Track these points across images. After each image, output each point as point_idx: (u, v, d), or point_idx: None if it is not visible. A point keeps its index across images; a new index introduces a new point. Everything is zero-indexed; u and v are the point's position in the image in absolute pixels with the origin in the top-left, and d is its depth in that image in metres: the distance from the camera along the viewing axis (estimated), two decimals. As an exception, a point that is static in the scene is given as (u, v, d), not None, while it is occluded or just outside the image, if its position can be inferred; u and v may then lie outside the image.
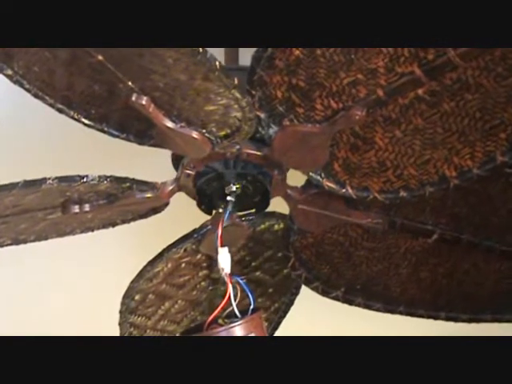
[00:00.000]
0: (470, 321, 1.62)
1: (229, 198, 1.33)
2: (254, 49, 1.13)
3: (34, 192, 1.30)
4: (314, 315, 2.09)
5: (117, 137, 1.29)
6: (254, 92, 1.17)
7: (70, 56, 1.15)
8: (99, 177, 1.32)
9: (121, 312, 1.63)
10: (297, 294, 1.71)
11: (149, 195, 1.38)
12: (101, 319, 1.76)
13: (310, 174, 1.31)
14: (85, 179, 1.31)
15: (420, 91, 1.14)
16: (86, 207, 1.37)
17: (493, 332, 1.59)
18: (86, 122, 1.27)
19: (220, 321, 1.25)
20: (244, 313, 1.26)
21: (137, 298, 1.60)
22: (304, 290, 1.65)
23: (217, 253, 1.31)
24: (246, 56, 1.41)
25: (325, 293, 1.59)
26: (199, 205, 1.39)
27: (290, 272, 1.59)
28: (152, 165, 1.60)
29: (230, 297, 1.25)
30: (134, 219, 1.48)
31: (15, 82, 1.20)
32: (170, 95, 1.17)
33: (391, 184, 1.29)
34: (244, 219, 1.44)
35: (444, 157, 1.22)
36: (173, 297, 1.63)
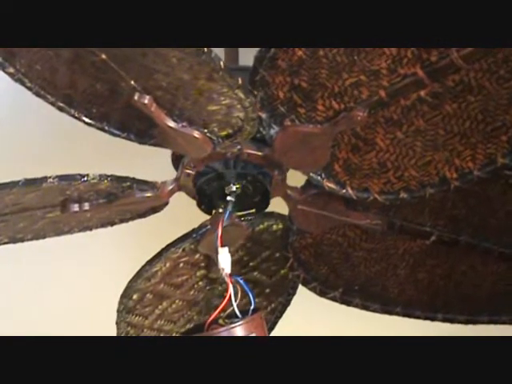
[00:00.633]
0: (467, 322, 1.62)
1: (229, 197, 1.33)
2: (254, 49, 1.13)
3: (34, 190, 1.30)
4: (311, 315, 2.09)
5: (117, 136, 1.28)
6: (256, 92, 1.17)
7: (72, 54, 1.15)
8: (100, 176, 1.32)
9: (118, 311, 1.62)
10: (293, 294, 1.71)
11: (149, 195, 1.38)
12: (99, 318, 1.76)
13: (311, 174, 1.31)
14: (85, 178, 1.31)
15: (422, 93, 1.14)
16: (86, 206, 1.37)
17: (489, 332, 1.59)
18: (87, 120, 1.26)
19: (220, 321, 1.25)
20: (245, 313, 1.25)
21: (135, 297, 1.59)
22: (301, 289, 1.65)
23: (217, 253, 1.31)
24: (246, 56, 1.41)
25: (323, 293, 1.59)
26: (199, 205, 1.38)
27: (288, 272, 1.59)
28: (152, 164, 1.59)
29: (230, 297, 1.25)
30: (132, 218, 1.48)
31: (17, 80, 1.19)
32: (173, 94, 1.16)
33: (392, 185, 1.29)
34: (243, 219, 1.44)
35: (445, 158, 1.22)
36: (170, 296, 1.63)
